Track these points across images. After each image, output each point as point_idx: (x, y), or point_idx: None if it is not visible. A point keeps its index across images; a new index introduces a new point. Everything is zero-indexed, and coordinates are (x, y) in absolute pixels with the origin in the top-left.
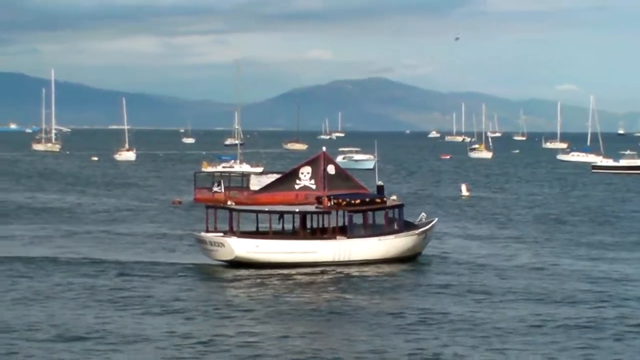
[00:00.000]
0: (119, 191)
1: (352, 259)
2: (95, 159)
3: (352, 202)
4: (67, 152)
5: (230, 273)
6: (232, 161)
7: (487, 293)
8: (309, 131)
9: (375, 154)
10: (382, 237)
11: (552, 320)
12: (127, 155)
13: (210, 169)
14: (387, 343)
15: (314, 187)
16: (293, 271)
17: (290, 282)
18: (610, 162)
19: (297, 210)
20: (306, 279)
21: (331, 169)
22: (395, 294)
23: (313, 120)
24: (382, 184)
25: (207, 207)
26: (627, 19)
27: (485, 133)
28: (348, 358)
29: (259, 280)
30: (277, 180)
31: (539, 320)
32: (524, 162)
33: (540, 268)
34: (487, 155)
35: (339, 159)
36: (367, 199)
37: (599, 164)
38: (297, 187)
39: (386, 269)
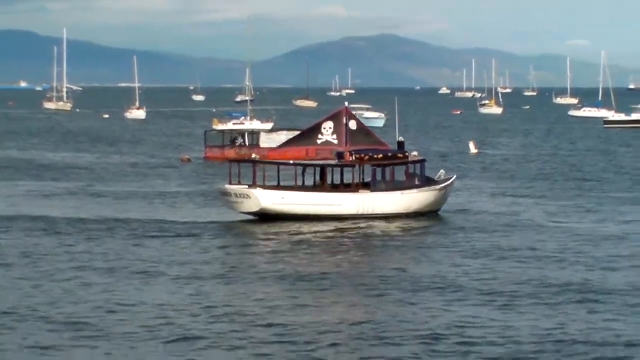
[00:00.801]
0: (128, 149)
1: (375, 212)
2: (107, 116)
3: (375, 157)
4: (78, 111)
5: (247, 231)
6: (243, 118)
7: (513, 250)
8: (319, 88)
9: (394, 111)
10: (405, 192)
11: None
12: (138, 114)
13: (220, 127)
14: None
15: (336, 142)
16: (314, 227)
17: (311, 240)
18: (622, 117)
19: (320, 163)
20: (329, 235)
21: (353, 125)
22: (423, 255)
23: (323, 77)
24: (402, 139)
25: (231, 160)
26: None
27: (496, 89)
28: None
29: (275, 239)
30: (300, 134)
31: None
32: (535, 117)
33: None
34: (498, 111)
35: None
36: (390, 154)
37: (611, 118)
38: (319, 142)
39: (410, 224)
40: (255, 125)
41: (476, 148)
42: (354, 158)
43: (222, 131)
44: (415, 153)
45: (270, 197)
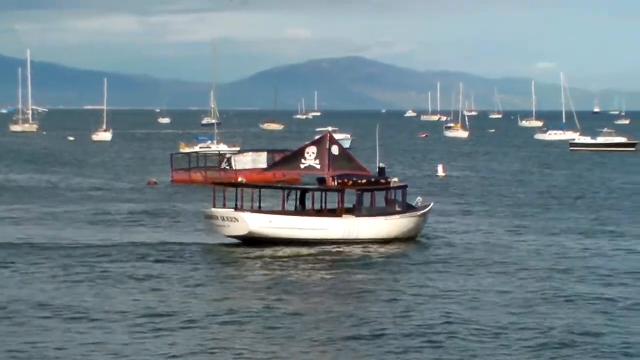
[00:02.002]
0: (95, 172)
1: (360, 237)
2: (72, 139)
3: (359, 182)
4: (45, 133)
5: (223, 252)
6: (210, 142)
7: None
8: (285, 110)
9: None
10: (388, 217)
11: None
12: (104, 136)
13: (187, 150)
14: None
15: (318, 167)
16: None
17: (291, 260)
18: (588, 140)
19: (305, 187)
20: (310, 257)
21: (335, 150)
22: (407, 272)
23: (290, 99)
24: (383, 165)
25: (215, 184)
26: None
27: (462, 112)
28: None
29: (258, 260)
30: (284, 159)
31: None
32: (501, 141)
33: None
34: (464, 134)
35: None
36: (373, 180)
37: (577, 141)
38: (302, 166)
39: (392, 248)
40: (222, 148)
41: (444, 171)
42: (336, 183)
43: (189, 154)
44: (395, 179)
45: (259, 220)
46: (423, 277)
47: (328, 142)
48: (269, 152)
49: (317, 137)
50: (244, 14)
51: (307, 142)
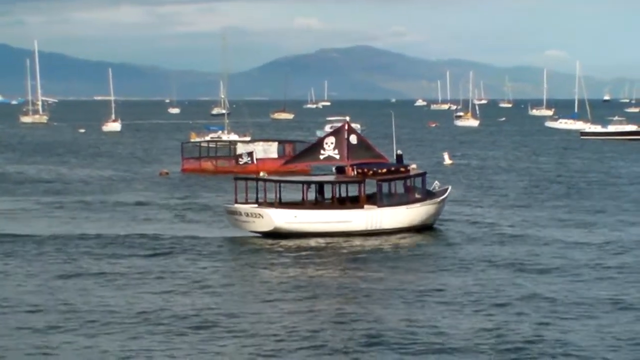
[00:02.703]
0: (106, 163)
1: (382, 227)
2: (82, 130)
3: (379, 171)
4: (55, 124)
5: (239, 247)
6: (220, 131)
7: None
8: (295, 100)
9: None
10: (409, 206)
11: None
12: (113, 126)
13: (197, 140)
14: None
15: (337, 156)
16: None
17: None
18: (598, 128)
19: (328, 179)
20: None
21: (353, 139)
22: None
23: (299, 89)
24: (401, 152)
25: (237, 178)
26: None
27: (472, 101)
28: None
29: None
30: (304, 150)
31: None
32: (511, 130)
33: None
34: (474, 123)
35: (327, 128)
36: (392, 168)
37: (588, 130)
38: (321, 157)
39: (415, 238)
40: (233, 138)
41: (450, 159)
42: (355, 172)
43: (199, 143)
44: (414, 166)
45: (284, 216)
46: (446, 276)
47: (346, 132)
48: (279, 142)
49: (335, 127)
50: (253, 4)
51: (327, 133)
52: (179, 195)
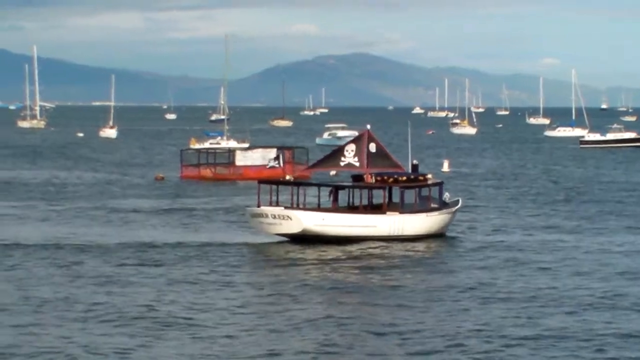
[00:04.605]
0: (102, 167)
1: (404, 233)
2: (81, 135)
3: (399, 179)
4: (53, 129)
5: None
6: (219, 137)
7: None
8: (292, 107)
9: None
10: (429, 214)
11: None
12: (109, 132)
13: (197, 146)
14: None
15: (357, 164)
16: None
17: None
18: (597, 137)
19: (358, 184)
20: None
21: (372, 147)
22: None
23: (297, 95)
24: (417, 162)
25: (261, 181)
26: None
27: (469, 108)
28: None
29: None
30: (325, 157)
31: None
32: (509, 138)
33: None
34: (471, 131)
35: (325, 135)
36: (412, 177)
37: (587, 138)
38: (342, 164)
39: (436, 245)
40: (232, 144)
41: (449, 167)
42: (374, 180)
43: (198, 150)
44: (429, 175)
45: (312, 218)
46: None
47: (366, 140)
48: (278, 148)
49: (356, 135)
50: (249, 10)
51: (348, 140)
52: (173, 200)
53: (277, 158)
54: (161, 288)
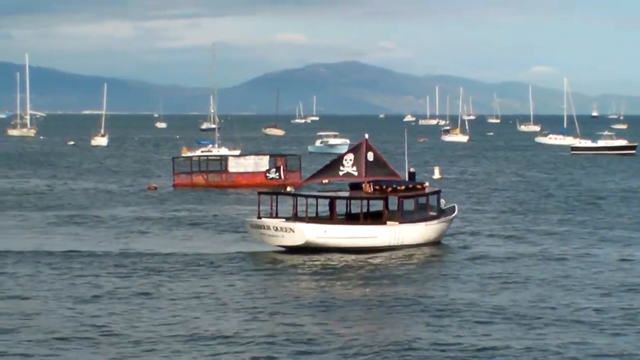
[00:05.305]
0: (93, 176)
1: (404, 243)
2: (72, 143)
3: (398, 188)
4: (42, 137)
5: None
6: (211, 145)
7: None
8: (283, 115)
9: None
10: (428, 222)
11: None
12: (100, 141)
13: (189, 154)
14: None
15: (355, 173)
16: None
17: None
18: (589, 143)
19: (363, 195)
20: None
21: (370, 156)
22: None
23: (287, 104)
24: (414, 170)
25: (261, 192)
26: (600, 2)
27: (461, 116)
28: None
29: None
30: (324, 167)
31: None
32: (501, 145)
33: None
34: (463, 138)
35: (317, 143)
36: (410, 185)
37: (578, 145)
38: (340, 173)
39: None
40: (223, 152)
41: (440, 174)
42: (371, 189)
43: (190, 158)
44: (426, 183)
45: (315, 230)
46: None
47: (364, 148)
48: (270, 155)
49: (355, 144)
50: (239, 19)
51: (347, 150)
52: (170, 209)
53: (277, 169)
54: (154, 299)
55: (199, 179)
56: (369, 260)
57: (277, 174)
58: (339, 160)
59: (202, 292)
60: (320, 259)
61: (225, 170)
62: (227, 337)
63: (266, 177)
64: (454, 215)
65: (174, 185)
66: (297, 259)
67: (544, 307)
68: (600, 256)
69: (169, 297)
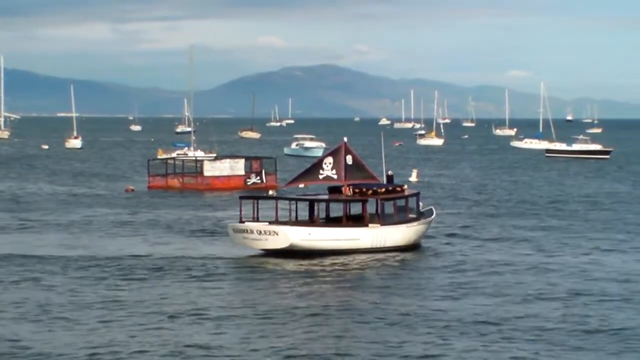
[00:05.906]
0: (68, 179)
1: (386, 245)
2: (46, 147)
3: (378, 190)
4: (16, 140)
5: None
6: (186, 148)
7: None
8: (259, 118)
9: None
10: (409, 225)
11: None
12: (74, 143)
13: (164, 156)
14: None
15: (335, 176)
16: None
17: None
18: (563, 147)
19: (343, 198)
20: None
21: (349, 159)
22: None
23: (264, 107)
24: (392, 173)
25: (242, 197)
26: (575, 6)
27: (436, 120)
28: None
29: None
30: (305, 170)
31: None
32: (476, 149)
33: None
34: (438, 142)
35: (293, 145)
36: (390, 188)
37: (553, 148)
38: (320, 176)
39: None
40: (199, 155)
41: (417, 177)
42: (351, 192)
43: (165, 160)
44: (405, 186)
45: (299, 233)
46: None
47: (343, 152)
48: (246, 158)
49: (334, 147)
50: (217, 22)
51: (326, 153)
52: (140, 211)
53: (258, 174)
54: (130, 303)
55: (174, 181)
56: (345, 264)
57: (259, 178)
58: (318, 163)
59: (168, 296)
60: (301, 262)
61: (201, 173)
62: (201, 346)
63: (245, 182)
64: (432, 217)
65: (149, 188)
66: (273, 262)
67: (509, 317)
68: (568, 263)
69: (136, 301)
